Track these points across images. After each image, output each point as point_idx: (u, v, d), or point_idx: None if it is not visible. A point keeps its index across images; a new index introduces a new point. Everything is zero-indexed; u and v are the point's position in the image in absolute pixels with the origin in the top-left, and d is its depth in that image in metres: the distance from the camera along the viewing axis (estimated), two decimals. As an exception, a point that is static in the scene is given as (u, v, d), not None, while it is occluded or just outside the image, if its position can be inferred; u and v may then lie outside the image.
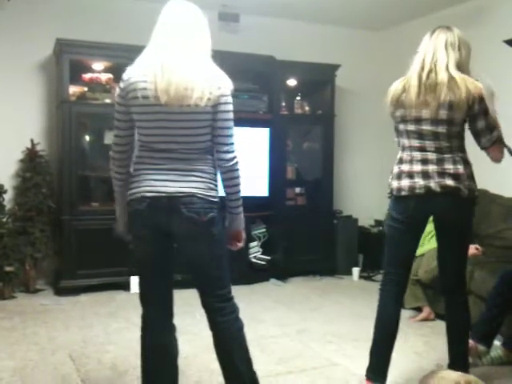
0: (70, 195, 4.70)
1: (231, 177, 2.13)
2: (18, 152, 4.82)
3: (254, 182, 5.20)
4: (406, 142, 2.54)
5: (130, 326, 3.74)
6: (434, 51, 2.49)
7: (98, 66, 4.90)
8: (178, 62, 2.02)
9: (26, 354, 3.20)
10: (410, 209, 2.51)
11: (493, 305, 3.13)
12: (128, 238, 2.25)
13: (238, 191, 2.17)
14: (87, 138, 5.06)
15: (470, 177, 2.49)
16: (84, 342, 3.45)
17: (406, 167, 2.51)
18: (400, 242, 2.59)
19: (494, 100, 2.40)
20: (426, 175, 2.46)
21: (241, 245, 2.29)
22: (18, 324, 3.81)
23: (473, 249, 3.85)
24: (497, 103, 2.41)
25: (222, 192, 2.17)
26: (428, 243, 4.00)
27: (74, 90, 4.76)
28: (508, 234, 4.13)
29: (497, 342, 3.14)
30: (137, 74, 2.07)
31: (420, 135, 2.48)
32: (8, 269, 4.47)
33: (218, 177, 2.17)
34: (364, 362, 2.66)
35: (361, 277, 5.56)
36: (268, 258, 5.34)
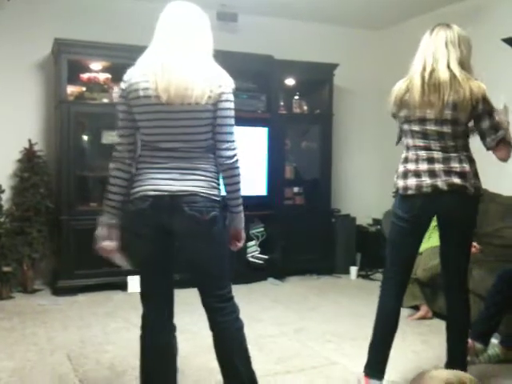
0: (68, 195, 4.70)
1: (232, 175, 2.13)
2: (15, 152, 4.82)
3: (253, 181, 5.20)
4: (410, 141, 2.55)
5: (128, 326, 3.74)
6: (434, 50, 2.49)
7: (96, 65, 4.90)
8: (178, 62, 2.03)
9: (25, 355, 3.20)
10: (417, 207, 2.52)
11: (491, 303, 3.14)
12: (125, 263, 2.24)
13: (239, 189, 2.17)
14: (85, 137, 5.05)
15: (476, 175, 2.51)
16: (82, 342, 3.45)
17: (412, 166, 2.52)
18: (404, 241, 2.60)
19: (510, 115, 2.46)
20: (432, 174, 2.47)
21: (240, 245, 2.28)
22: (16, 324, 3.81)
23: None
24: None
25: (223, 191, 2.18)
26: (426, 242, 4.00)
27: (72, 89, 4.76)
28: (506, 232, 4.14)
29: (494, 340, 3.15)
30: (138, 74, 2.08)
31: (425, 135, 2.49)
32: (6, 269, 4.46)
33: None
34: (362, 360, 2.67)
35: (359, 276, 5.56)
36: (266, 257, 5.34)
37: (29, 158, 4.80)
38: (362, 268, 5.68)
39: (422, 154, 2.50)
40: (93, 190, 5.03)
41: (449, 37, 2.49)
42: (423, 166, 2.48)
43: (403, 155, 2.59)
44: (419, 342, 3.49)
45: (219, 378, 2.25)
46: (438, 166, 2.46)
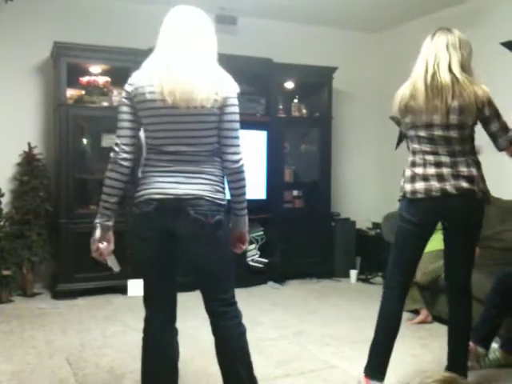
0: (68, 198, 4.70)
1: (237, 179, 2.14)
2: (15, 155, 4.82)
3: (252, 184, 5.18)
4: (417, 146, 2.55)
5: (127, 330, 3.74)
6: (435, 53, 2.51)
7: (96, 69, 4.90)
8: (183, 65, 2.03)
9: (24, 358, 3.20)
10: (425, 211, 2.54)
11: (491, 306, 3.14)
12: (118, 267, 2.25)
13: (244, 193, 2.18)
14: (84, 141, 5.05)
15: (482, 179, 2.54)
16: (81, 345, 3.44)
17: (419, 170, 2.52)
18: (409, 243, 2.61)
19: None
20: (441, 178, 2.48)
21: (244, 247, 2.30)
22: (15, 328, 3.81)
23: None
24: None
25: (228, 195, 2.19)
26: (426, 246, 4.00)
27: (71, 93, 4.77)
28: (506, 235, 4.14)
29: (494, 345, 3.14)
30: (143, 77, 2.08)
31: (431, 140, 2.50)
32: (5, 272, 4.46)
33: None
34: (362, 363, 2.67)
35: (358, 279, 5.56)
36: (266, 260, 5.34)
37: (28, 161, 4.80)
38: (361, 272, 5.67)
39: (430, 158, 2.51)
40: (92, 193, 5.02)
41: (450, 40, 2.51)
42: (431, 170, 2.50)
43: (409, 159, 2.59)
44: (419, 346, 3.48)
45: (219, 382, 2.24)
46: (446, 170, 2.48)
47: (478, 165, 2.54)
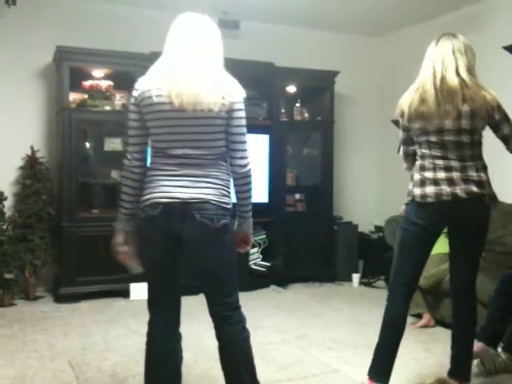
0: (70, 202, 4.70)
1: (245, 183, 2.17)
2: (18, 159, 4.83)
3: (254, 188, 5.18)
4: (426, 151, 2.55)
5: (129, 334, 3.74)
6: (442, 58, 2.52)
7: (98, 73, 4.92)
8: (191, 69, 2.06)
9: (26, 362, 3.20)
10: (434, 215, 2.55)
11: (494, 308, 3.15)
12: (140, 269, 2.24)
13: (250, 196, 2.22)
14: (87, 144, 5.06)
15: (489, 183, 2.56)
16: (83, 349, 3.44)
17: (429, 174, 2.53)
18: (416, 246, 2.62)
19: None
20: (451, 182, 2.49)
21: (249, 248, 2.33)
22: (17, 331, 3.81)
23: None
24: None
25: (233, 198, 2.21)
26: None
27: (74, 97, 4.78)
28: (508, 239, 4.13)
29: (498, 348, 3.14)
30: (149, 81, 2.10)
31: (442, 145, 2.50)
32: (8, 276, 4.46)
33: (231, 183, 2.20)
34: (364, 368, 2.66)
35: (361, 283, 5.55)
36: (268, 264, 5.34)
37: (31, 164, 4.81)
38: (364, 275, 5.66)
39: (439, 162, 2.51)
40: (95, 196, 5.04)
41: (455, 45, 2.52)
42: (441, 175, 2.50)
43: (418, 163, 2.59)
44: (422, 350, 3.48)
45: (221, 386, 2.25)
46: (455, 175, 2.49)
47: (485, 169, 2.56)
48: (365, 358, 2.73)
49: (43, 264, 4.73)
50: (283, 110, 5.62)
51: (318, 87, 5.71)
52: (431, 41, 2.62)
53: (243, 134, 2.14)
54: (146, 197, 2.12)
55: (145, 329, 2.24)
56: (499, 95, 2.54)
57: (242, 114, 2.13)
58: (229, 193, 2.15)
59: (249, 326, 2.19)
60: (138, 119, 2.14)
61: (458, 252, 2.69)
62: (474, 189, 2.49)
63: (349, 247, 5.75)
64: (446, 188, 2.49)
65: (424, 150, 2.56)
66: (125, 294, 4.71)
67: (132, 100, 2.15)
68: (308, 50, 5.91)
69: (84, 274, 4.63)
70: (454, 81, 2.47)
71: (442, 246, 3.46)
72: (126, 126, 2.22)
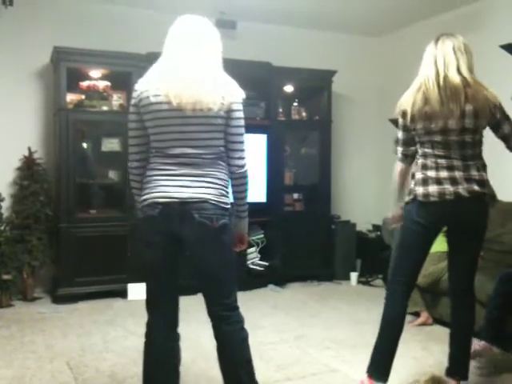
0: (68, 203, 4.70)
1: (242, 183, 2.20)
2: (15, 160, 4.82)
3: (252, 187, 5.18)
4: (429, 150, 2.55)
5: (127, 334, 3.74)
6: (444, 57, 2.52)
7: (96, 73, 4.91)
8: (191, 69, 2.07)
9: (24, 363, 3.19)
10: (436, 214, 2.56)
11: (493, 307, 3.16)
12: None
13: (246, 196, 2.24)
14: (85, 145, 5.05)
15: (489, 182, 2.57)
16: (82, 350, 3.44)
17: (432, 173, 2.53)
18: (416, 245, 2.63)
19: None
20: (454, 181, 2.50)
21: (244, 246, 2.34)
22: (15, 332, 3.80)
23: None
24: None
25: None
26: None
27: (71, 97, 4.77)
28: (506, 238, 4.13)
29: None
30: (149, 82, 2.11)
31: (446, 145, 2.51)
32: (5, 277, 4.45)
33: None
34: (362, 367, 2.67)
35: (359, 282, 5.56)
36: (266, 263, 5.34)
37: (28, 165, 4.80)
38: (362, 274, 5.67)
39: (442, 161, 2.52)
40: (92, 197, 5.04)
41: (456, 44, 2.53)
42: (444, 174, 2.51)
43: (420, 162, 2.59)
44: (419, 349, 3.48)
45: (219, 386, 2.25)
46: (458, 174, 2.50)
47: (485, 168, 2.57)
48: (363, 358, 2.73)
49: (41, 265, 4.73)
50: (281, 110, 5.62)
51: (316, 87, 5.72)
52: (430, 40, 2.62)
53: (241, 135, 2.16)
54: (145, 197, 2.13)
55: (143, 329, 2.24)
56: (497, 94, 2.55)
57: (241, 114, 2.15)
58: (228, 192, 2.16)
59: (247, 325, 2.20)
60: (137, 120, 2.16)
61: (456, 251, 2.70)
62: (476, 188, 2.50)
63: (347, 246, 5.75)
64: (449, 187, 2.49)
65: (426, 150, 2.56)
66: (123, 294, 4.71)
67: (132, 101, 2.17)
68: (306, 50, 5.91)
69: (82, 274, 4.63)
70: (456, 79, 2.47)
71: (440, 244, 3.47)
72: (123, 127, 2.24)
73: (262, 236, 5.40)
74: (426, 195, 2.53)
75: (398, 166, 2.73)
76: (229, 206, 2.15)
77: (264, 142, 5.36)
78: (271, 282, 5.31)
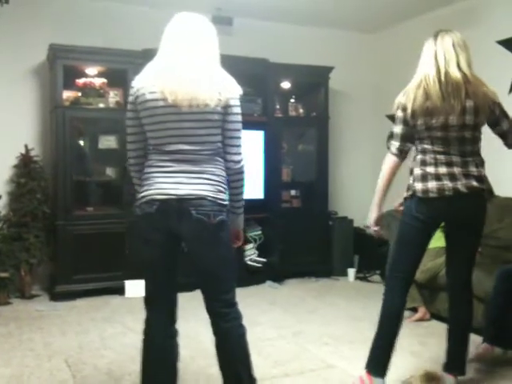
0: (65, 200, 4.69)
1: (238, 179, 2.20)
2: (12, 157, 4.81)
3: (249, 184, 5.18)
4: (428, 146, 2.55)
5: (125, 331, 3.74)
6: (444, 52, 2.52)
7: (92, 70, 4.90)
8: (188, 66, 2.07)
9: (22, 361, 3.19)
10: (435, 210, 2.56)
11: (494, 306, 3.14)
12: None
13: (243, 192, 2.25)
14: (81, 142, 5.05)
15: (487, 178, 2.58)
16: (80, 347, 3.44)
17: (431, 169, 2.53)
18: (415, 240, 2.64)
19: None
20: (453, 177, 2.50)
21: (240, 243, 2.35)
22: (13, 330, 3.80)
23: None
24: None
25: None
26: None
27: (67, 94, 4.76)
28: (502, 233, 4.14)
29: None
30: (144, 78, 2.11)
31: (446, 141, 2.51)
32: (3, 275, 4.45)
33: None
34: (360, 363, 2.67)
35: (356, 278, 5.56)
36: (264, 260, 5.34)
37: (25, 163, 4.79)
38: (359, 270, 5.68)
39: (441, 157, 2.52)
40: (89, 194, 5.03)
41: (455, 40, 2.54)
42: (442, 170, 2.51)
43: (419, 158, 2.58)
44: (417, 344, 3.49)
45: (218, 383, 2.25)
46: (457, 170, 2.51)
47: (483, 164, 2.58)
48: (361, 353, 2.74)
49: (39, 262, 4.72)
50: (278, 106, 5.61)
51: (313, 83, 5.71)
52: (426, 36, 2.62)
53: (238, 130, 2.16)
54: (143, 194, 2.13)
55: (141, 326, 2.24)
56: (495, 90, 2.55)
57: (238, 110, 2.15)
58: (225, 189, 2.16)
59: (245, 322, 2.20)
60: (134, 117, 2.16)
61: (455, 246, 2.71)
62: (475, 184, 2.51)
63: (344, 242, 5.76)
64: (448, 183, 2.50)
65: (426, 146, 2.55)
66: (120, 291, 4.71)
67: (129, 98, 2.18)
68: (302, 46, 5.90)
69: (80, 271, 4.63)
70: (457, 75, 2.47)
71: (438, 239, 3.48)
72: (120, 124, 2.24)
73: (260, 232, 5.40)
74: (425, 191, 2.53)
75: (391, 160, 2.62)
76: (226, 203, 2.15)
77: (261, 138, 5.36)
78: (269, 278, 5.32)
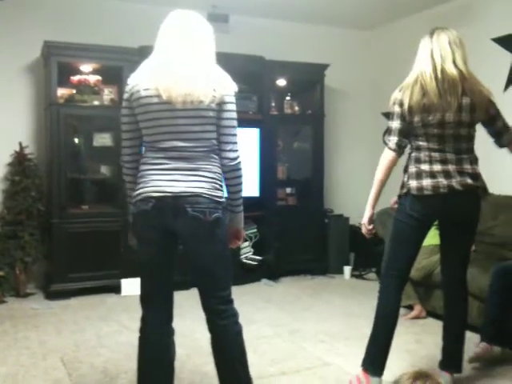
0: (60, 198, 4.67)
1: (234, 176, 2.18)
2: (6, 155, 4.78)
3: (245, 182, 5.18)
4: (423, 144, 2.54)
5: (121, 330, 3.73)
6: (440, 49, 2.52)
7: (87, 68, 4.87)
8: (183, 63, 2.07)
9: (18, 359, 3.18)
10: (430, 207, 2.56)
11: (492, 304, 3.12)
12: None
13: (240, 190, 2.22)
14: (76, 140, 5.02)
15: (481, 175, 2.59)
16: (76, 345, 3.43)
17: (425, 167, 2.53)
18: (410, 239, 2.64)
19: None
20: (447, 175, 2.50)
21: (240, 243, 2.33)
22: (8, 328, 3.79)
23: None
24: None
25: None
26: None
27: (62, 92, 4.74)
28: (497, 230, 4.15)
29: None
30: (140, 76, 2.11)
31: (441, 138, 2.51)
32: (-2, 273, 4.44)
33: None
34: (356, 360, 2.68)
35: (352, 275, 5.57)
36: (259, 258, 5.34)
37: (19, 161, 4.76)
38: (355, 268, 5.69)
39: (436, 155, 2.52)
40: (84, 192, 5.01)
41: (451, 38, 2.54)
42: (437, 167, 2.51)
43: (414, 155, 2.58)
44: (413, 341, 3.50)
45: (214, 381, 2.25)
46: (451, 167, 2.51)
47: (477, 162, 2.58)
48: (357, 350, 2.75)
49: (34, 261, 4.70)
50: (273, 104, 5.60)
51: (308, 80, 5.71)
52: (422, 34, 2.62)
53: (233, 127, 2.15)
54: (139, 191, 2.13)
55: (137, 324, 2.24)
56: (490, 88, 2.56)
57: (233, 106, 2.14)
58: (221, 186, 2.16)
59: (241, 320, 2.20)
60: (129, 114, 2.16)
61: (449, 244, 2.72)
62: (469, 181, 2.51)
63: (340, 240, 5.76)
64: (442, 180, 2.50)
65: (421, 143, 2.55)
66: (116, 289, 4.70)
67: (124, 96, 2.18)
68: (298, 43, 5.89)
69: (75, 270, 4.61)
70: (453, 72, 2.48)
71: (432, 237, 3.48)
72: (114, 121, 2.24)
73: (256, 230, 5.39)
74: (420, 189, 2.53)
75: (390, 156, 2.59)
76: (222, 200, 2.14)
77: (256, 136, 5.35)
78: (264, 276, 5.32)
